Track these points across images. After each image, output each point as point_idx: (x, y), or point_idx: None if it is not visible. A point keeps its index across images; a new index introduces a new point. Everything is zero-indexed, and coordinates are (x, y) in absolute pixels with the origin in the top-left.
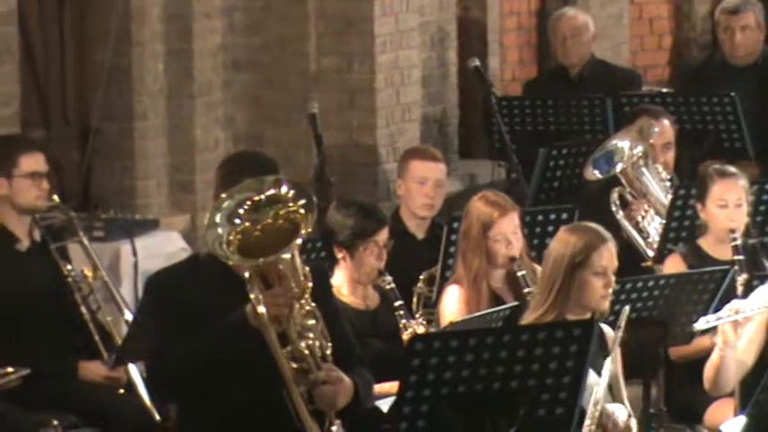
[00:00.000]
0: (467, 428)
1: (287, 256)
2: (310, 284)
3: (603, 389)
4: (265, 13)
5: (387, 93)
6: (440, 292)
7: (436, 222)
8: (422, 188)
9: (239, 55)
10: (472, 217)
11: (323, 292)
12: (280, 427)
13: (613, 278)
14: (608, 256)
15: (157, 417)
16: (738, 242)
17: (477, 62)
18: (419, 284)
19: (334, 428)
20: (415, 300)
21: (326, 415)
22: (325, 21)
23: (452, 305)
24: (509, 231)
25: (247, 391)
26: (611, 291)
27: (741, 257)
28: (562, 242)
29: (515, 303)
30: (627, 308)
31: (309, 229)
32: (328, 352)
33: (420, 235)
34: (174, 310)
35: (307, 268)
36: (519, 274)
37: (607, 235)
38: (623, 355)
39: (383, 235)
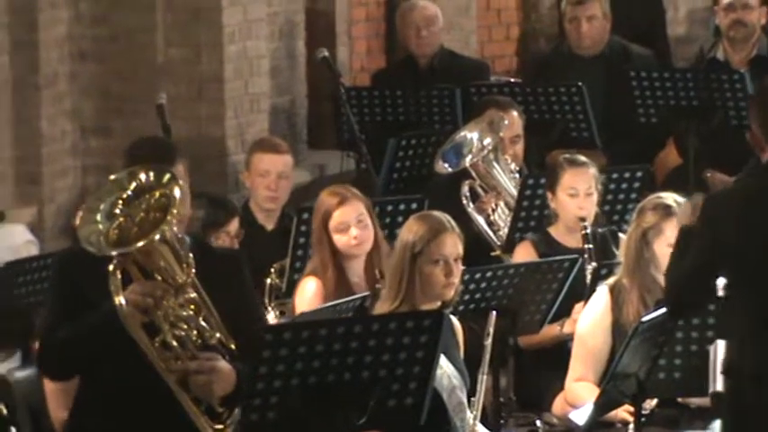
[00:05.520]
0: (317, 420)
1: (157, 237)
2: (193, 272)
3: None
4: (112, 3)
5: (235, 84)
6: (290, 284)
7: (286, 213)
8: (264, 180)
9: (86, 46)
10: (316, 209)
11: (233, 278)
12: (176, 410)
13: (458, 266)
14: (449, 244)
15: (4, 411)
16: (588, 231)
17: (325, 53)
18: (271, 276)
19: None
20: (267, 291)
21: (212, 402)
22: (173, 11)
23: (308, 297)
24: (350, 219)
25: (140, 376)
26: (455, 279)
27: (590, 246)
28: (407, 231)
29: (365, 294)
30: (494, 313)
31: (178, 209)
32: (213, 341)
33: (269, 226)
34: (73, 289)
35: (191, 256)
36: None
37: (449, 223)
38: (473, 346)
39: (234, 225)
